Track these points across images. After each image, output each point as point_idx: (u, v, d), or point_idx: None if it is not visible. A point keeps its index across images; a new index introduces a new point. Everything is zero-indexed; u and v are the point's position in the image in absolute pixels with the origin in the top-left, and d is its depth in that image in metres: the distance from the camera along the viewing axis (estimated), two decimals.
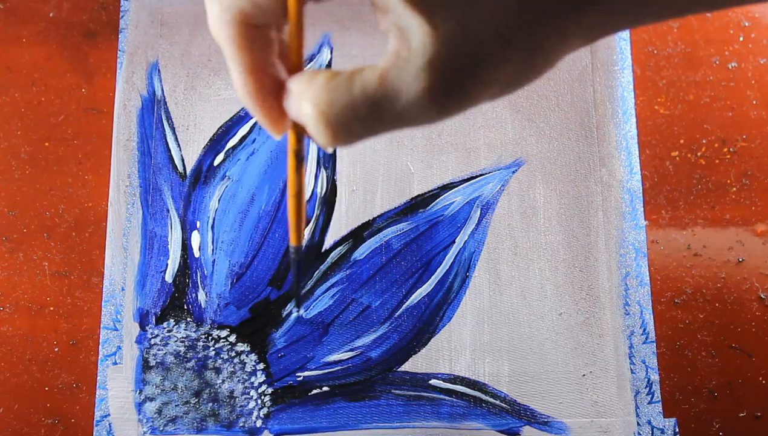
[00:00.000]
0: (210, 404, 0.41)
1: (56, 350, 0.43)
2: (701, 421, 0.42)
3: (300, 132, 0.21)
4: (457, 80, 0.17)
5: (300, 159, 0.21)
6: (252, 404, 0.41)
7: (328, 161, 0.44)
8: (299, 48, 0.20)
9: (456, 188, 0.44)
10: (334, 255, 0.43)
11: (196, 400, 0.41)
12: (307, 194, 0.44)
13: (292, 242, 0.23)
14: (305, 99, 0.19)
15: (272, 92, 0.20)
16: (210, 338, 0.42)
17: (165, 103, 0.45)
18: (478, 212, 0.44)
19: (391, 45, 0.18)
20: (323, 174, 0.44)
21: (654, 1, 0.18)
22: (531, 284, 0.43)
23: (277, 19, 0.19)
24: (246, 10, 0.18)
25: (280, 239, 0.43)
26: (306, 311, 0.43)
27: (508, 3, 0.17)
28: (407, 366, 0.42)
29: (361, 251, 0.43)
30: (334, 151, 0.45)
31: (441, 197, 0.44)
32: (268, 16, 0.19)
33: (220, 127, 0.45)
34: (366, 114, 0.18)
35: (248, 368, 0.42)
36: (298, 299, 0.41)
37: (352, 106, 0.18)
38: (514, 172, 0.44)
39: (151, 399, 0.42)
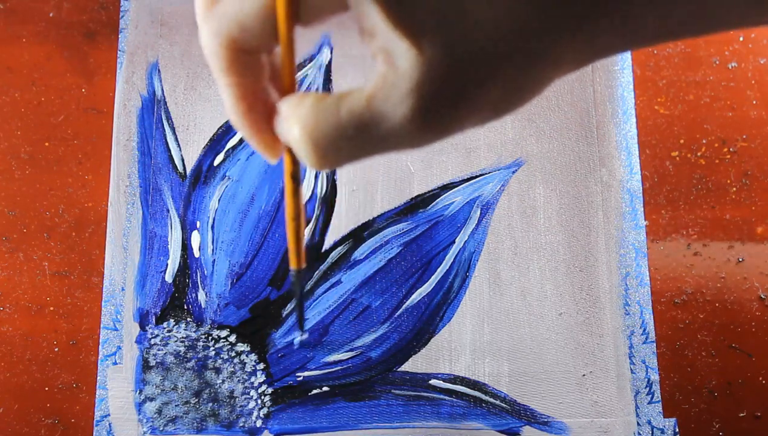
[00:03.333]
0: (210, 404, 0.41)
1: (56, 350, 0.43)
2: (701, 421, 0.42)
3: (295, 155, 0.21)
4: (442, 105, 0.17)
5: (297, 182, 0.21)
6: (252, 404, 0.41)
7: None
8: (291, 70, 0.20)
9: (456, 188, 0.44)
10: (334, 255, 0.43)
11: (196, 400, 0.41)
12: (306, 194, 0.44)
13: (293, 266, 0.24)
14: (293, 121, 0.19)
15: (264, 116, 0.20)
16: (210, 338, 0.42)
17: (165, 103, 0.45)
18: (478, 212, 0.44)
19: (379, 69, 0.18)
20: (323, 174, 0.44)
21: (644, 25, 0.18)
22: (531, 284, 0.43)
23: (268, 43, 0.19)
24: (235, 35, 0.18)
25: (280, 239, 0.43)
26: (312, 308, 0.43)
27: (497, 28, 0.17)
28: (407, 366, 0.42)
29: (361, 251, 0.43)
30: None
31: (441, 197, 0.44)
32: (257, 41, 0.19)
33: (220, 127, 0.45)
34: (352, 136, 0.18)
35: (248, 368, 0.42)
36: (302, 322, 0.40)
37: (338, 127, 0.18)
38: (514, 172, 0.44)
39: (151, 399, 0.42)
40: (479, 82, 0.17)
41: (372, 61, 0.19)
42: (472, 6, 0.16)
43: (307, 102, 0.19)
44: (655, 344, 0.42)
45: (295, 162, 0.21)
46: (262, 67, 0.20)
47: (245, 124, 0.20)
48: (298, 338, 0.42)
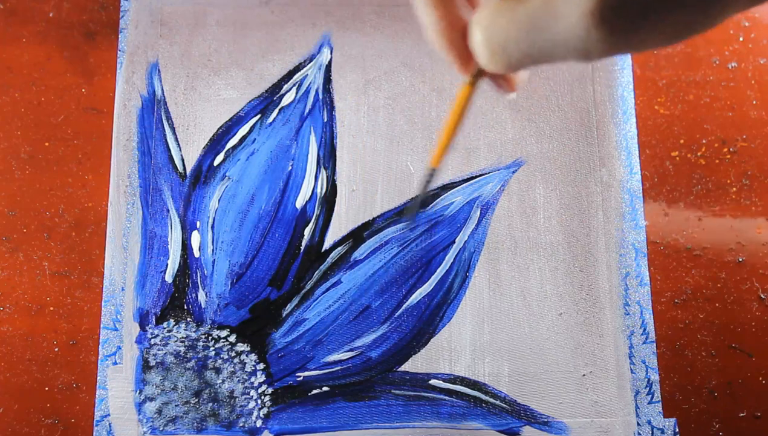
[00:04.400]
0: (210, 404, 0.41)
1: (56, 350, 0.43)
2: (701, 421, 0.42)
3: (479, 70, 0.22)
4: (623, 11, 0.17)
5: (473, 88, 0.22)
6: (252, 404, 0.41)
7: (328, 161, 0.44)
8: None
9: (456, 188, 0.44)
10: (334, 255, 0.43)
11: (196, 400, 0.41)
12: (307, 194, 0.44)
13: (433, 164, 0.24)
14: (475, 23, 0.20)
15: (461, 33, 0.21)
16: (210, 338, 0.42)
17: (165, 103, 0.45)
18: (478, 212, 0.44)
19: None
20: (323, 174, 0.44)
21: None
22: (531, 284, 0.43)
23: None
24: None
25: (280, 239, 0.43)
26: (307, 310, 0.43)
27: None
28: (407, 366, 0.42)
29: (361, 251, 0.43)
30: (334, 153, 0.45)
31: (441, 197, 0.44)
32: None
33: (220, 127, 0.45)
34: (524, 35, 0.18)
35: (248, 368, 0.42)
36: (415, 214, 0.40)
37: (511, 25, 0.18)
38: (514, 172, 0.44)
39: (151, 399, 0.42)
40: None
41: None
42: None
43: (490, 5, 0.19)
44: (655, 344, 0.42)
45: (477, 73, 0.22)
46: None
47: (444, 42, 0.21)
48: (411, 225, 0.42)
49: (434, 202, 0.44)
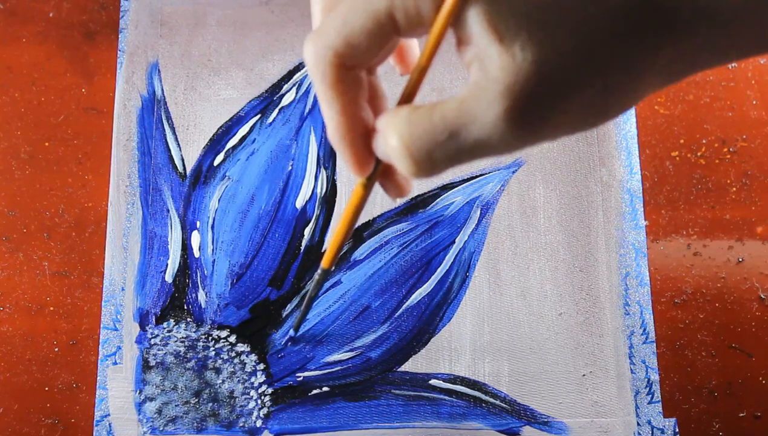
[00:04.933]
0: (210, 404, 0.41)
1: (56, 350, 0.43)
2: (701, 421, 0.42)
3: (375, 169, 0.22)
4: (533, 108, 0.18)
5: (366, 192, 0.22)
6: (252, 404, 0.41)
7: (328, 161, 0.44)
8: (417, 84, 0.21)
9: (456, 188, 0.44)
10: None
11: (196, 400, 0.41)
12: (307, 194, 0.44)
13: (325, 265, 0.25)
14: (390, 132, 0.20)
15: (361, 134, 0.21)
16: (210, 338, 0.42)
17: (165, 103, 0.45)
18: (478, 212, 0.44)
19: (472, 76, 0.19)
20: (323, 174, 0.44)
21: (740, 36, 0.18)
22: (531, 284, 0.43)
23: (370, 59, 0.20)
24: (340, 51, 0.19)
25: (280, 239, 0.43)
26: (312, 308, 0.43)
27: (585, 39, 0.17)
28: (407, 366, 0.42)
29: (361, 251, 0.43)
30: (334, 153, 0.45)
31: (441, 197, 0.44)
32: (361, 57, 0.20)
33: (220, 127, 0.45)
34: (445, 142, 0.19)
35: (248, 369, 0.42)
36: (300, 323, 0.41)
37: (431, 134, 0.19)
38: (514, 172, 0.44)
39: (151, 399, 0.42)
40: (565, 90, 0.18)
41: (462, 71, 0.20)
42: (567, 11, 0.17)
43: (403, 113, 0.20)
44: (655, 344, 0.42)
45: (372, 176, 0.22)
46: (362, 85, 0.21)
47: (344, 140, 0.21)
48: (289, 334, 0.42)
49: (434, 202, 0.44)
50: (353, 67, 0.20)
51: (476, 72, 0.18)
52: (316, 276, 0.25)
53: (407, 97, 0.21)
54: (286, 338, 0.42)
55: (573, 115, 0.18)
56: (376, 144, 0.21)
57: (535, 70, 0.17)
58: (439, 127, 0.19)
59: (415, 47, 0.25)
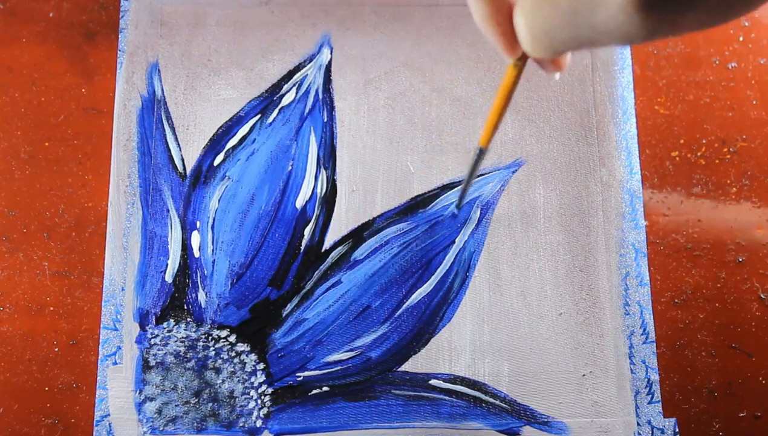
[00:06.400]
0: (210, 404, 0.41)
1: (56, 350, 0.43)
2: (701, 421, 0.42)
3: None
4: None
5: (518, 72, 0.23)
6: (252, 404, 0.41)
7: (328, 161, 0.44)
8: None
9: (456, 188, 0.44)
10: (334, 255, 0.43)
11: (196, 400, 0.41)
12: (307, 194, 0.44)
13: (482, 144, 0.25)
14: (518, 10, 0.20)
15: (506, 15, 0.21)
16: (210, 338, 0.42)
17: (165, 103, 0.45)
18: (478, 212, 0.44)
19: None
20: (323, 174, 0.44)
21: None
22: (531, 284, 0.43)
23: None
24: None
25: (280, 239, 0.43)
26: (307, 310, 0.43)
27: None
28: (407, 366, 0.42)
29: (361, 251, 0.43)
30: (334, 153, 0.45)
31: (441, 197, 0.44)
32: None
33: (220, 127, 0.45)
34: (566, 22, 0.19)
35: (248, 368, 0.42)
36: (462, 199, 0.41)
37: (554, 13, 0.19)
38: (514, 172, 0.44)
39: (151, 399, 0.42)
40: None
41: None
42: None
43: None
44: (655, 344, 0.42)
45: (522, 56, 0.22)
46: None
47: (489, 23, 0.21)
48: (453, 210, 0.42)
49: (434, 202, 0.44)
50: None
51: None
52: (474, 156, 0.25)
53: None
54: (450, 212, 0.42)
55: (701, 8, 0.18)
56: (514, 23, 0.21)
57: None
58: (563, 9, 0.19)
59: None
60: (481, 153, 0.25)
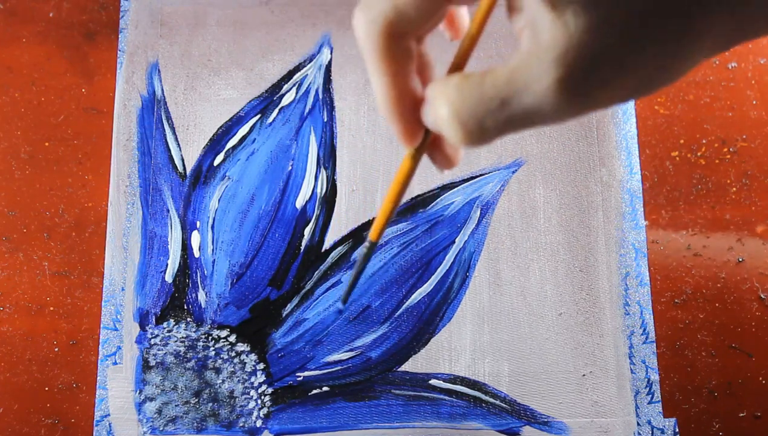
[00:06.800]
0: (210, 404, 0.41)
1: (56, 350, 0.43)
2: (701, 421, 0.42)
3: (426, 139, 0.22)
4: (586, 76, 0.18)
5: (415, 164, 0.23)
6: (252, 404, 0.41)
7: (328, 161, 0.44)
8: (467, 52, 0.21)
9: (456, 188, 0.44)
10: (334, 255, 0.43)
11: (196, 400, 0.41)
12: (306, 194, 0.44)
13: (372, 237, 0.25)
14: (440, 100, 0.20)
15: (410, 104, 0.21)
16: (210, 338, 0.42)
17: (165, 103, 0.45)
18: (478, 212, 0.44)
19: (524, 45, 0.19)
20: (323, 174, 0.44)
21: None
22: (531, 284, 0.43)
23: (420, 28, 0.20)
24: (390, 19, 0.20)
25: (280, 239, 0.43)
26: (307, 310, 0.43)
27: (639, 8, 0.17)
28: (407, 366, 0.42)
29: (361, 251, 0.43)
30: (334, 153, 0.45)
31: (441, 197, 0.44)
32: (411, 25, 0.20)
33: (220, 127, 0.45)
34: (496, 110, 0.19)
35: (248, 368, 0.42)
36: (348, 295, 0.41)
37: (482, 102, 0.19)
38: (514, 172, 0.44)
39: (151, 399, 0.42)
40: (620, 58, 0.18)
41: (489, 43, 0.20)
42: None
43: (453, 81, 0.19)
44: (655, 344, 0.42)
45: (420, 147, 0.22)
46: (411, 55, 0.21)
47: (393, 110, 0.21)
48: (338, 306, 0.42)
49: (434, 202, 0.44)
50: (403, 36, 0.20)
51: (528, 40, 0.18)
52: (364, 249, 0.25)
53: (457, 66, 0.21)
54: (335, 309, 0.42)
55: (625, 84, 0.18)
56: (425, 114, 0.21)
57: (588, 39, 0.17)
58: (490, 96, 0.19)
59: (465, 13, 0.25)
60: (372, 246, 0.25)
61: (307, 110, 0.45)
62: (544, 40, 0.18)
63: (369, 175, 0.44)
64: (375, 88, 0.21)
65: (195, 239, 0.43)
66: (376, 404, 0.41)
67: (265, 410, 0.41)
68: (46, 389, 0.42)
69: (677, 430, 0.41)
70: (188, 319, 0.42)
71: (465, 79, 0.19)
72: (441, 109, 0.20)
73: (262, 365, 0.42)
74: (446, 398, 0.41)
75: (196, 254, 0.43)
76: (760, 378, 0.42)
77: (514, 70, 0.18)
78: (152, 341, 0.42)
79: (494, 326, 0.42)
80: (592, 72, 0.18)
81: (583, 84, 0.18)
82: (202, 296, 0.43)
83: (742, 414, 0.42)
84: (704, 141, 0.45)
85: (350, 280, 0.37)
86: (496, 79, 0.19)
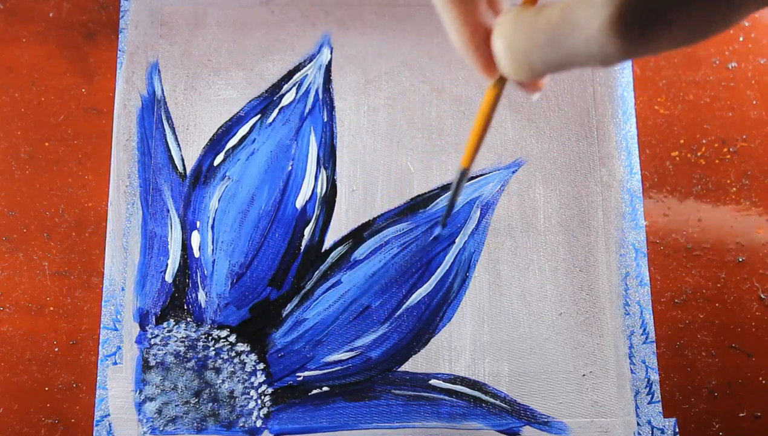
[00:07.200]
0: (210, 404, 0.41)
1: (56, 350, 0.43)
2: (701, 421, 0.42)
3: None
4: (635, 17, 0.17)
5: (498, 92, 0.23)
6: (252, 404, 0.41)
7: (328, 161, 0.44)
8: None
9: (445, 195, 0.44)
10: (334, 255, 0.43)
11: (196, 400, 0.41)
12: (307, 194, 0.44)
13: (464, 164, 0.25)
14: (497, 33, 0.20)
15: (485, 37, 0.22)
16: (210, 338, 0.42)
17: (165, 103, 0.45)
18: (478, 212, 0.44)
19: None
20: (323, 174, 0.44)
21: None
22: (531, 284, 0.43)
23: None
24: None
25: (280, 239, 0.43)
26: (307, 310, 0.43)
27: None
28: (407, 366, 0.42)
29: (361, 251, 0.43)
30: (334, 153, 0.45)
31: (441, 197, 0.44)
32: None
33: (220, 127, 0.45)
34: (546, 47, 0.19)
35: (248, 368, 0.42)
36: (446, 219, 0.41)
37: (532, 39, 0.19)
38: (514, 172, 0.44)
39: (151, 399, 0.42)
40: (676, 1, 0.17)
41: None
42: None
43: (510, 15, 0.20)
44: (655, 344, 0.42)
45: (501, 77, 0.23)
46: None
47: (469, 47, 0.22)
48: (438, 231, 0.43)
49: (434, 202, 0.44)
50: None
51: None
52: (457, 177, 0.26)
53: None
54: (435, 234, 0.43)
55: (677, 28, 0.18)
56: (492, 46, 0.21)
57: None
58: (541, 32, 0.19)
59: None
60: (464, 174, 0.26)
61: (307, 110, 0.45)
62: None
63: (369, 175, 0.44)
64: (448, 27, 0.22)
65: (195, 239, 0.43)
66: (376, 404, 0.41)
67: (265, 410, 0.41)
68: (46, 389, 0.42)
69: (677, 430, 0.41)
70: (188, 319, 0.42)
71: (520, 14, 0.20)
72: (497, 42, 0.20)
73: (262, 365, 0.42)
74: (446, 398, 0.41)
75: (196, 254, 0.43)
76: (760, 378, 0.42)
77: (567, 9, 0.18)
78: (152, 341, 0.42)
79: (494, 326, 0.42)
80: (644, 14, 0.17)
81: (634, 26, 0.18)
82: (202, 296, 0.43)
83: (742, 414, 0.42)
84: (704, 141, 0.45)
85: (448, 203, 0.38)
86: (549, 17, 0.19)
